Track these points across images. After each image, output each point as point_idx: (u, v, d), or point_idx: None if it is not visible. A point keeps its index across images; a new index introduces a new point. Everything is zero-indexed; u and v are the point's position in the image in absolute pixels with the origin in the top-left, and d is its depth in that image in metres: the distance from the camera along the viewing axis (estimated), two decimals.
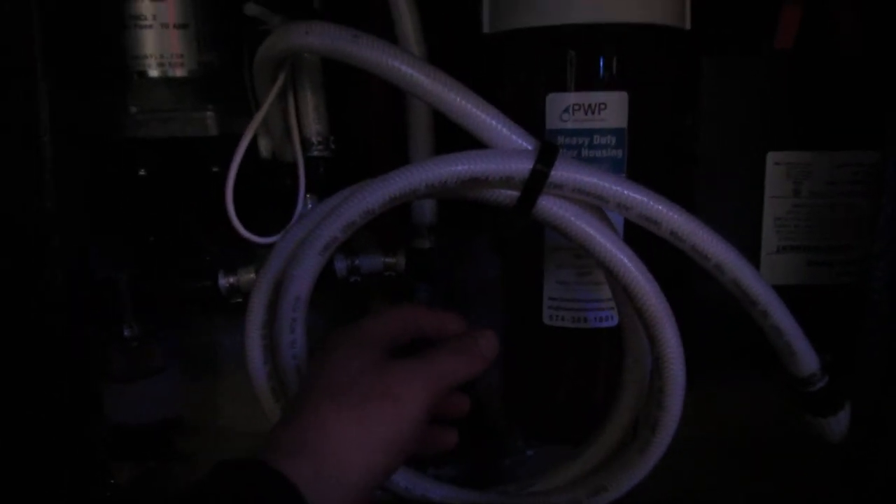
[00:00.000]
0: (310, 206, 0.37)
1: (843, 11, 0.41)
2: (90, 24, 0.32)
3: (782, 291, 0.33)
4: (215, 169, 0.36)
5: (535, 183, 0.30)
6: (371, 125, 0.39)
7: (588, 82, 0.36)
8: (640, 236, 0.32)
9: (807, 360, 0.33)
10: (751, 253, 0.40)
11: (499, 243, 0.39)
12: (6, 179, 0.30)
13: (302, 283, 0.33)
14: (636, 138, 0.36)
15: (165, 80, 0.35)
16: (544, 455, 0.45)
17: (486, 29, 0.38)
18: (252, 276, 0.39)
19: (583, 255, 0.38)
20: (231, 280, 0.40)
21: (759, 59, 0.40)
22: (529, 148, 0.31)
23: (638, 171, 0.36)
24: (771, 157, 0.39)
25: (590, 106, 0.36)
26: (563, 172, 0.30)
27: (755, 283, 0.31)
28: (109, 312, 0.40)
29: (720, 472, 0.42)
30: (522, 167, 0.30)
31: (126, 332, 0.40)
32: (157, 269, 0.40)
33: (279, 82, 0.34)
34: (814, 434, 0.36)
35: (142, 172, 0.36)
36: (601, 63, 0.35)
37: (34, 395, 0.36)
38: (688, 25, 0.37)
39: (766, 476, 0.42)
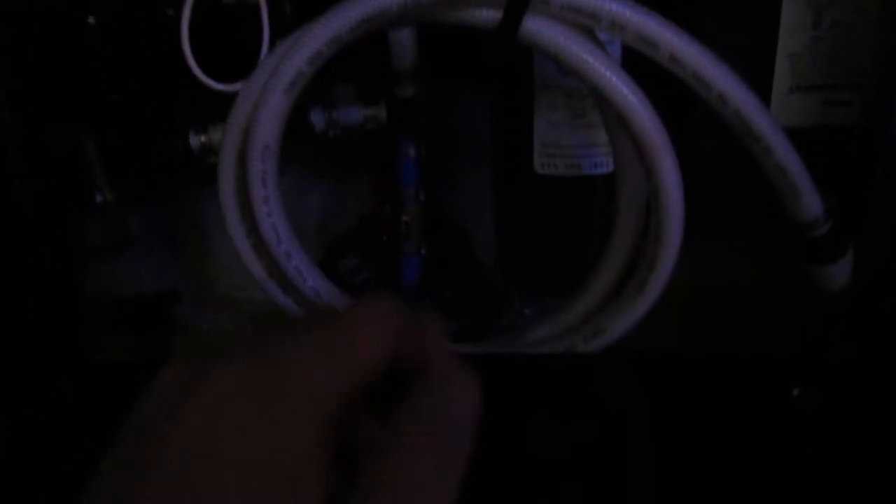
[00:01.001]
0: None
1: None
2: None
3: (794, 135, 0.30)
4: (170, 12, 0.33)
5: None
6: None
7: None
8: (637, 69, 0.29)
9: (810, 202, 0.31)
10: (762, 93, 0.37)
11: (486, 76, 0.36)
12: None
13: (269, 129, 0.30)
14: None
15: None
16: (542, 313, 0.44)
17: None
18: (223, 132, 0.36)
19: (575, 95, 0.35)
20: (202, 138, 0.37)
21: None
22: None
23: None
24: None
25: None
26: None
27: (760, 116, 0.29)
28: (78, 179, 0.37)
29: (710, 322, 0.41)
30: None
31: (98, 198, 0.38)
32: (123, 130, 0.37)
33: None
34: (814, 283, 0.34)
35: (90, 20, 0.32)
36: None
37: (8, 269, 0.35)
38: None
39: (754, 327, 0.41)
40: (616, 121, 0.30)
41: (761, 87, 0.37)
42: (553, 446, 0.31)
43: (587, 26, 0.28)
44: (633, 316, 0.32)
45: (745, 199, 0.36)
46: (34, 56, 0.34)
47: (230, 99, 0.35)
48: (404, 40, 0.36)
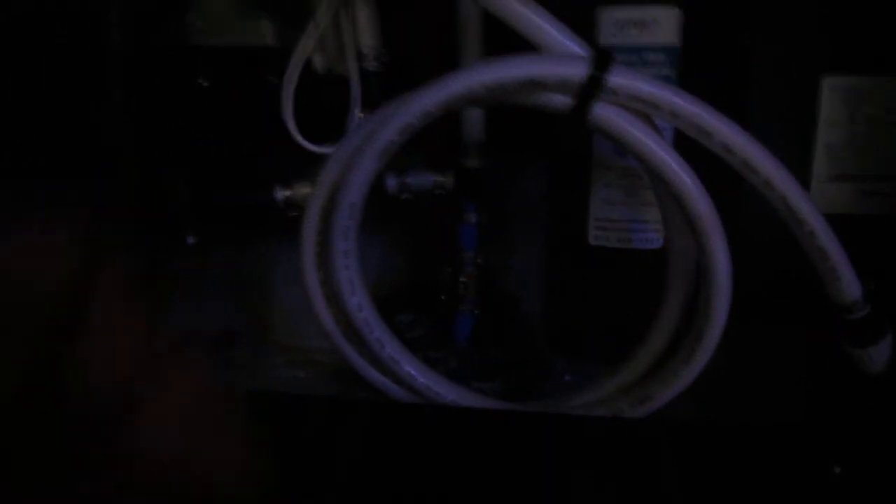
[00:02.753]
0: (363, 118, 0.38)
1: None
2: None
3: (832, 221, 0.33)
4: (272, 80, 0.37)
5: (591, 88, 0.30)
6: (422, 38, 0.40)
7: None
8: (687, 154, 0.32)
9: (850, 286, 0.33)
10: (802, 181, 0.39)
11: (549, 154, 0.40)
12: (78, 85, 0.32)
13: (358, 189, 0.34)
14: (688, 56, 0.36)
15: None
16: (584, 379, 0.46)
17: None
18: (307, 189, 0.40)
19: (630, 175, 0.38)
20: (287, 193, 0.41)
21: None
22: (584, 54, 0.31)
23: (689, 89, 0.36)
24: (826, 82, 0.39)
25: (642, 21, 0.36)
26: (619, 78, 0.30)
27: (803, 202, 0.32)
28: (171, 220, 0.41)
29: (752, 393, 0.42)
30: (579, 71, 0.30)
31: (189, 240, 0.42)
32: (216, 180, 0.41)
33: None
34: (855, 365, 0.36)
35: (203, 83, 0.37)
36: None
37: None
38: None
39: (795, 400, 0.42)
40: (670, 200, 0.33)
41: (801, 175, 0.40)
42: None
43: (647, 113, 0.32)
44: (679, 385, 0.34)
45: (788, 277, 0.38)
46: (153, 108, 0.38)
47: (313, 158, 0.39)
48: (475, 116, 0.40)
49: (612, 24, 0.36)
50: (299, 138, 0.36)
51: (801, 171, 0.39)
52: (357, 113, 0.37)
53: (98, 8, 0.31)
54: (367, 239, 0.48)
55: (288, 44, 0.37)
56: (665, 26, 0.36)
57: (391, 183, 0.42)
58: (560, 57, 0.31)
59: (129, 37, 0.32)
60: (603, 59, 0.31)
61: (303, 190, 0.41)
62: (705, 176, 0.32)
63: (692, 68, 0.37)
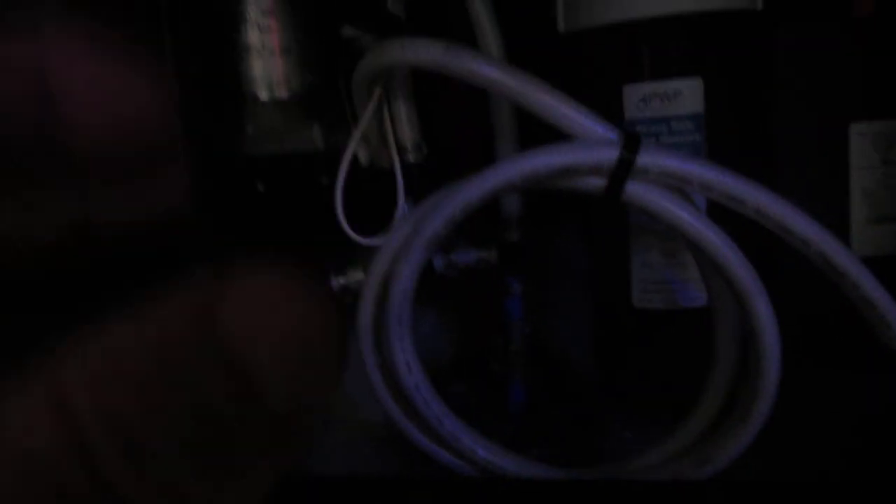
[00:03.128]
0: (407, 208, 0.40)
1: None
2: (213, 56, 0.36)
3: (877, 263, 0.33)
4: (324, 180, 0.40)
5: (622, 170, 0.32)
6: (459, 130, 0.42)
7: (662, 71, 0.37)
8: (724, 221, 0.33)
9: None
10: (841, 226, 0.40)
11: (586, 231, 0.41)
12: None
13: (409, 277, 0.36)
14: (714, 121, 0.38)
15: (275, 103, 0.38)
16: (643, 438, 0.46)
17: (561, 28, 0.40)
18: (360, 276, 0.42)
19: (668, 238, 0.40)
20: (342, 280, 0.43)
21: (836, 27, 0.40)
22: (613, 137, 0.33)
23: (718, 152, 0.38)
24: (854, 128, 0.40)
25: (666, 94, 0.37)
26: (648, 158, 0.32)
27: (842, 256, 0.32)
28: None
29: (817, 450, 0.42)
30: (610, 155, 0.32)
31: None
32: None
33: (375, 96, 0.37)
34: None
35: (260, 188, 0.40)
36: (674, 52, 0.37)
37: None
38: (759, 6, 0.39)
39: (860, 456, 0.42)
40: (709, 266, 0.34)
41: (841, 222, 0.40)
42: None
43: (679, 187, 0.33)
44: (739, 445, 0.35)
45: (842, 327, 0.39)
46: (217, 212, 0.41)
47: (364, 248, 0.41)
48: (514, 196, 0.42)
49: (638, 99, 0.38)
50: (350, 232, 0.39)
51: (839, 217, 0.40)
52: (402, 204, 0.39)
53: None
54: (418, 314, 0.50)
55: (335, 144, 0.39)
56: (688, 96, 0.37)
57: (438, 263, 0.43)
58: (590, 143, 0.32)
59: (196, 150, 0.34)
60: (631, 140, 0.32)
61: (356, 277, 0.43)
62: (746, 233, 0.33)
63: (719, 131, 0.38)
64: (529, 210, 0.44)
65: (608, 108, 0.38)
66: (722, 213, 0.33)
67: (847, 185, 0.41)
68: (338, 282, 0.43)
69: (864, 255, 0.40)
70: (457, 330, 0.50)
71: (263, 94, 0.38)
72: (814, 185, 0.40)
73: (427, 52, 0.33)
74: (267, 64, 0.38)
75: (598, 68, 0.40)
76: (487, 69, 0.33)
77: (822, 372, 0.41)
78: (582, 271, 0.45)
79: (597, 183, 0.33)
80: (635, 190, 0.33)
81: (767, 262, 0.36)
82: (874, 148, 0.41)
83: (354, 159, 0.40)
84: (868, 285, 0.33)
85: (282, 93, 0.38)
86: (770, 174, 0.40)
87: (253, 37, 0.37)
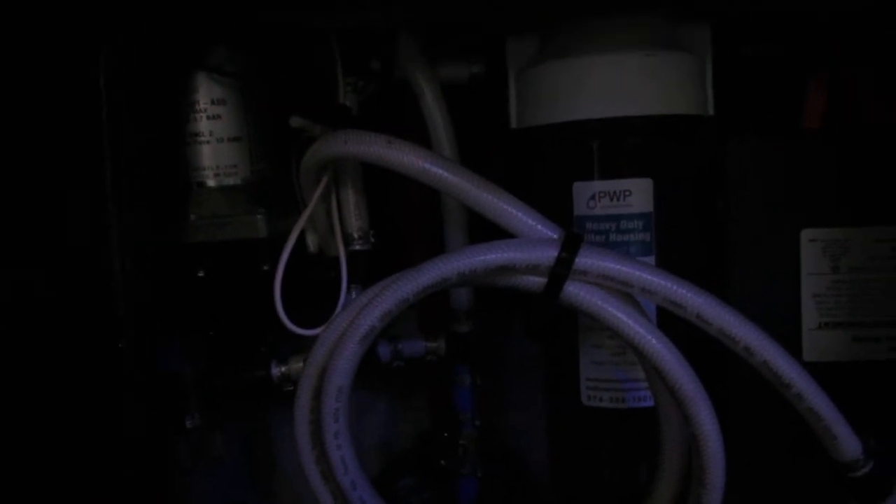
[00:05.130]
0: (353, 295, 0.40)
1: (867, 87, 0.42)
2: (154, 143, 0.36)
3: (828, 369, 0.33)
4: (266, 267, 0.39)
5: (561, 270, 0.32)
6: (408, 219, 0.42)
7: (612, 171, 0.38)
8: (674, 319, 0.32)
9: (848, 444, 0.33)
10: (792, 330, 0.40)
11: (531, 329, 0.40)
12: (79, 291, 0.34)
13: (343, 374, 0.35)
14: (663, 222, 0.37)
15: (221, 189, 0.38)
16: None
17: (513, 124, 0.40)
18: (301, 364, 0.41)
19: (617, 336, 0.39)
20: (283, 369, 0.42)
21: (786, 139, 0.40)
22: (555, 237, 0.32)
23: (667, 253, 0.38)
24: (805, 235, 0.40)
25: (615, 193, 0.37)
26: (587, 259, 0.32)
27: (787, 365, 0.31)
28: (175, 404, 0.42)
29: None
30: (548, 255, 0.32)
31: (188, 423, 0.42)
32: (217, 361, 0.42)
33: (322, 184, 0.37)
34: None
35: (200, 274, 0.39)
36: (624, 153, 0.37)
37: (109, 482, 0.38)
38: (710, 112, 0.39)
39: None
40: (652, 370, 0.33)
41: (790, 325, 0.40)
42: None
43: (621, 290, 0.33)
44: None
45: (788, 435, 0.37)
46: (156, 301, 0.40)
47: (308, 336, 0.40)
48: (462, 288, 0.41)
49: (588, 197, 0.38)
50: (288, 323, 0.38)
51: (789, 322, 0.40)
52: (344, 293, 0.39)
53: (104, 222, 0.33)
54: (361, 402, 0.49)
55: (279, 232, 0.39)
56: (638, 195, 0.37)
57: (384, 351, 0.42)
58: (529, 243, 0.32)
59: (132, 241, 0.34)
60: (571, 240, 0.32)
61: (296, 366, 0.42)
62: (700, 336, 0.32)
63: (669, 231, 0.38)
64: (482, 298, 0.43)
65: (558, 203, 0.38)
66: (674, 316, 0.33)
67: (798, 291, 0.40)
68: (278, 370, 0.42)
69: (814, 360, 0.39)
70: (407, 421, 0.49)
71: (210, 182, 0.38)
72: (766, 289, 0.39)
73: (369, 146, 0.33)
74: (215, 151, 0.38)
75: (548, 165, 0.40)
76: (428, 166, 0.32)
77: (770, 477, 0.40)
78: (534, 361, 0.44)
79: (537, 281, 0.33)
80: (575, 290, 0.32)
81: (721, 365, 0.35)
82: (824, 254, 0.40)
83: (302, 246, 0.39)
84: (812, 396, 0.32)
85: (229, 180, 0.38)
86: (721, 276, 0.40)
87: (202, 125, 0.37)
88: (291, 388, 0.41)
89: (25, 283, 0.33)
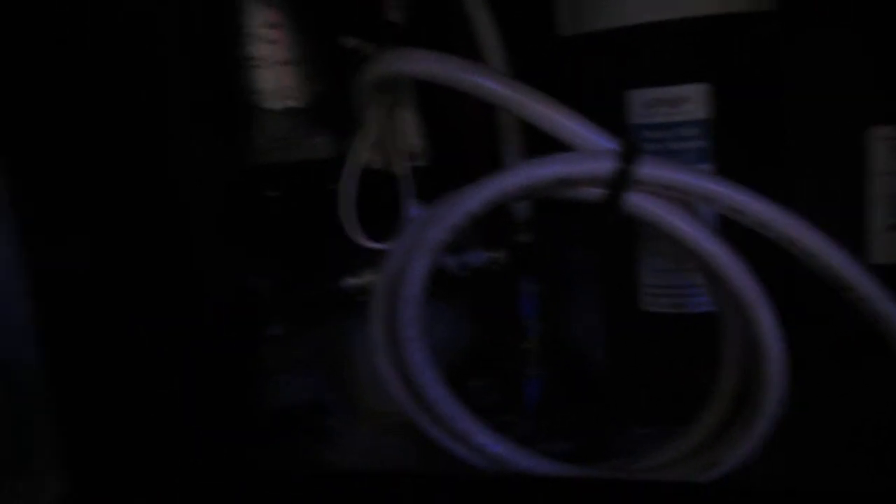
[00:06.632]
0: (414, 211, 0.41)
1: None
2: (218, 68, 0.37)
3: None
4: (332, 187, 0.41)
5: (619, 180, 0.32)
6: (466, 134, 0.43)
7: (668, 77, 0.37)
8: (734, 228, 0.33)
9: None
10: (857, 233, 0.39)
11: (591, 238, 0.41)
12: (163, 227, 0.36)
13: (415, 283, 0.37)
14: (721, 127, 0.37)
15: (283, 112, 0.40)
16: (654, 438, 0.47)
17: (563, 32, 0.40)
18: (373, 276, 0.44)
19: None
20: (356, 281, 0.45)
21: (853, 30, 0.38)
22: (612, 147, 0.33)
23: (726, 159, 0.37)
24: (875, 133, 0.38)
25: (671, 100, 0.37)
26: (645, 169, 0.32)
27: (848, 268, 0.32)
28: (259, 315, 0.46)
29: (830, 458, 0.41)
30: (606, 166, 0.32)
31: (271, 332, 0.46)
32: (292, 276, 0.45)
33: (380, 103, 0.38)
34: None
35: (270, 194, 0.41)
36: (678, 57, 0.36)
37: (209, 387, 0.42)
38: (769, 7, 0.37)
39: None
40: (712, 276, 0.33)
41: (856, 228, 0.39)
42: None
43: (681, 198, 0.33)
44: (744, 452, 0.35)
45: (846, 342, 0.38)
46: (235, 221, 0.42)
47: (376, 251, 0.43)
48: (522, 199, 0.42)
49: (643, 106, 0.37)
50: (358, 238, 0.40)
51: (855, 225, 0.39)
52: (408, 208, 0.40)
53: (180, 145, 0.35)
54: (435, 313, 0.51)
55: (341, 151, 0.40)
56: (695, 101, 0.37)
57: (451, 264, 0.44)
58: (587, 155, 0.32)
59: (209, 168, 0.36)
60: (629, 150, 0.32)
61: (369, 278, 0.44)
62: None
63: (727, 137, 0.37)
64: (541, 209, 0.44)
65: (612, 113, 0.38)
66: (734, 224, 0.33)
67: (865, 192, 0.39)
68: (351, 282, 0.44)
69: (881, 263, 0.39)
70: (473, 328, 0.51)
71: (272, 105, 0.39)
72: (830, 191, 0.39)
73: (420, 64, 0.34)
74: (275, 75, 0.39)
75: (600, 73, 0.39)
76: (481, 80, 0.33)
77: (837, 375, 0.40)
78: (593, 271, 0.45)
79: (597, 193, 0.33)
80: (634, 200, 0.33)
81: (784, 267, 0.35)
82: (891, 152, 0.39)
83: (363, 166, 0.41)
84: (875, 299, 0.32)
85: (290, 102, 0.39)
86: (782, 181, 0.39)
87: (261, 49, 0.38)
88: (364, 298, 0.44)
89: (112, 208, 0.36)
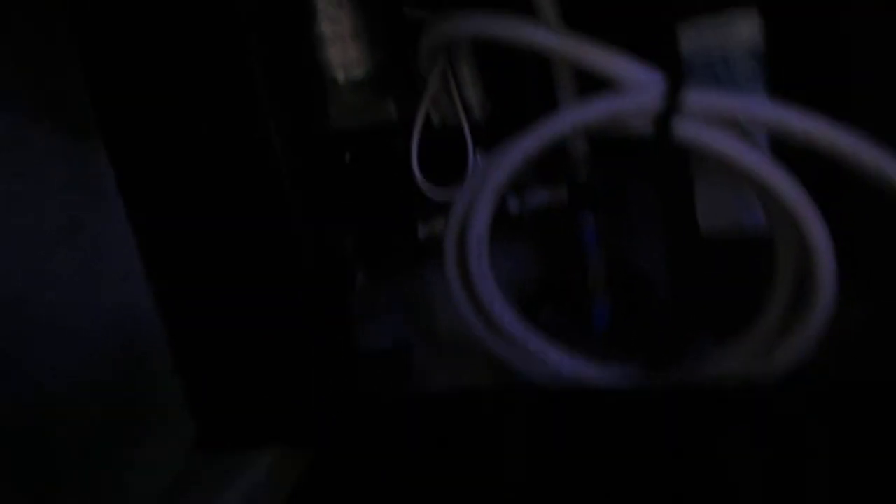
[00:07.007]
0: (479, 159, 0.44)
1: None
2: (293, 49, 0.41)
3: None
4: (401, 145, 0.44)
5: (669, 111, 0.34)
6: (522, 82, 0.45)
7: (717, 3, 0.38)
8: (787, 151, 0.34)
9: None
10: None
11: (647, 168, 0.44)
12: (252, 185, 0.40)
13: (481, 223, 0.41)
14: (774, 55, 0.38)
15: (351, 82, 0.43)
16: (717, 349, 0.49)
17: None
18: (442, 224, 0.47)
19: None
20: (428, 228, 0.48)
21: None
22: (659, 79, 0.35)
23: (779, 87, 0.38)
24: None
25: (721, 28, 0.38)
26: (693, 97, 0.34)
27: None
28: (344, 268, 0.50)
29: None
30: (653, 99, 0.34)
31: (356, 281, 0.51)
32: (372, 229, 0.50)
33: (440, 64, 0.41)
34: None
35: (348, 159, 0.45)
36: None
37: (303, 338, 0.47)
38: None
39: None
40: (767, 196, 0.36)
41: None
42: (737, 475, 0.33)
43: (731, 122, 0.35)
44: (799, 351, 0.38)
45: None
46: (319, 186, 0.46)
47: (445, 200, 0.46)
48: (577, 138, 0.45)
49: (693, 37, 0.39)
50: (427, 189, 0.43)
51: None
52: (471, 158, 0.43)
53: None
54: (503, 250, 0.54)
55: (407, 113, 0.44)
56: (745, 30, 0.38)
57: (513, 204, 0.47)
58: (634, 91, 0.35)
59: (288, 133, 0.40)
60: (675, 83, 0.34)
61: (439, 223, 0.48)
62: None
63: (780, 65, 0.38)
64: (597, 145, 0.46)
65: (661, 47, 0.39)
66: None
67: None
68: (424, 230, 0.48)
69: None
70: (540, 262, 0.55)
71: (341, 76, 0.43)
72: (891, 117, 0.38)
73: (478, 25, 0.36)
74: (341, 49, 0.42)
75: (650, 4, 0.41)
76: (535, 37, 0.35)
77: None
78: (652, 200, 0.47)
79: (648, 125, 0.36)
80: (685, 129, 0.35)
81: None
82: None
83: (427, 123, 0.44)
84: None
85: (356, 73, 0.43)
86: (841, 105, 0.39)
87: (326, 27, 0.41)
88: (438, 243, 0.48)
89: (214, 180, 0.40)
